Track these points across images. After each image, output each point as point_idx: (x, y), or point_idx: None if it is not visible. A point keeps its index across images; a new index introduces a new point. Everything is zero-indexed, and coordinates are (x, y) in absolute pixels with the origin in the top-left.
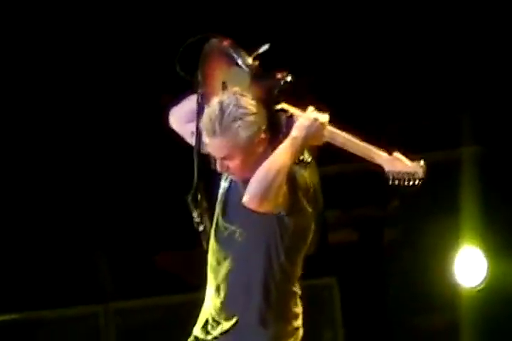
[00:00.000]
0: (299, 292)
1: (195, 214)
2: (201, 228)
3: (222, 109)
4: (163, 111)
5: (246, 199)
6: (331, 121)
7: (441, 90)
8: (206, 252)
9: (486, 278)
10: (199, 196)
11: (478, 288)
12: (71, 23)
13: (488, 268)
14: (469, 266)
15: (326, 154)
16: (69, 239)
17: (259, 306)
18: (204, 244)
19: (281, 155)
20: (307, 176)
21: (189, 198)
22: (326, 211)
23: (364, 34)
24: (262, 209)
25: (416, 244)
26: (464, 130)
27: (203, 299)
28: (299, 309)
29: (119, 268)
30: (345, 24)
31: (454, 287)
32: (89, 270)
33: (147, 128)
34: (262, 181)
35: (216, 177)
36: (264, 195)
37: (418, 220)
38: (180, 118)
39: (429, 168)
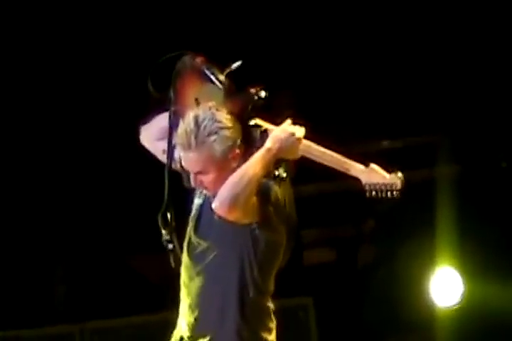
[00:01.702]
0: (272, 307)
1: (164, 233)
2: (170, 246)
3: (197, 123)
4: (134, 129)
5: (215, 204)
6: (309, 136)
7: (418, 109)
8: (176, 270)
9: (462, 297)
10: (169, 214)
11: (455, 308)
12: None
13: (464, 287)
14: (445, 285)
15: (302, 173)
16: (47, 260)
17: (234, 321)
18: (173, 262)
19: (253, 165)
20: (280, 192)
21: (159, 216)
22: (302, 230)
23: (343, 54)
24: (230, 216)
25: (392, 263)
26: (440, 149)
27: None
28: (273, 323)
29: (96, 288)
30: (324, 42)
31: (430, 307)
32: (66, 289)
33: (119, 145)
34: (232, 188)
35: (188, 194)
36: (233, 201)
37: (394, 240)
38: (152, 135)
39: (405, 188)
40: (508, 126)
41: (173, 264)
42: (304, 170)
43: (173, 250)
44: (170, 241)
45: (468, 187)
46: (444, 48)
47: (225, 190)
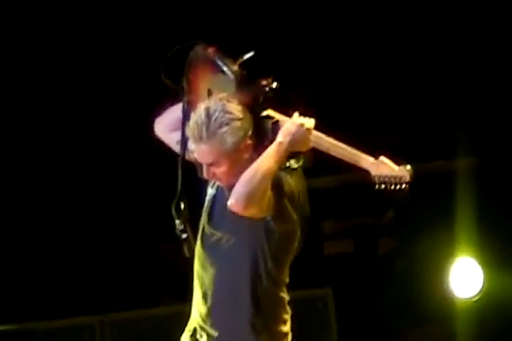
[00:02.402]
0: (287, 298)
1: (177, 223)
2: (184, 236)
3: (208, 115)
4: (149, 119)
5: (231, 202)
6: (318, 127)
7: (437, 101)
8: (189, 260)
9: (481, 289)
10: (182, 204)
11: (474, 299)
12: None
13: (483, 279)
14: (465, 277)
15: (320, 165)
16: (65, 251)
17: (248, 312)
18: (186, 251)
19: (266, 160)
20: (293, 182)
21: (172, 206)
22: (321, 222)
23: (359, 47)
24: (246, 213)
25: (411, 254)
26: (459, 141)
27: None
28: (287, 315)
29: (115, 280)
30: (339, 36)
31: (449, 298)
32: (84, 281)
33: (133, 137)
34: (247, 185)
35: (202, 185)
36: (248, 198)
37: (413, 231)
38: (166, 126)
39: (424, 179)
40: None
41: (187, 254)
42: (323, 161)
43: (186, 240)
44: (184, 231)
45: (488, 178)
46: (463, 40)
47: (240, 188)
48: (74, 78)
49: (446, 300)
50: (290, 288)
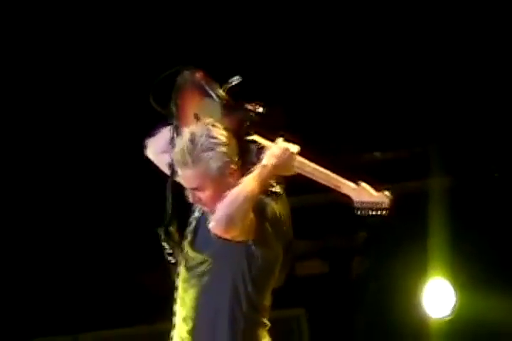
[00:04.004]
0: (268, 323)
1: (166, 246)
2: (172, 260)
3: (193, 140)
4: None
5: (212, 224)
6: (301, 152)
7: (409, 121)
8: (175, 283)
9: (454, 309)
10: (171, 228)
11: (447, 319)
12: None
13: (456, 299)
14: (438, 297)
15: (294, 185)
16: (43, 268)
17: (226, 336)
18: (174, 275)
19: (249, 182)
20: (277, 208)
21: (161, 230)
22: (294, 242)
23: (333, 67)
24: (227, 235)
25: (384, 275)
26: (432, 161)
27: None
28: (266, 340)
29: (90, 299)
30: (313, 56)
31: (422, 318)
32: (61, 300)
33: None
34: (229, 206)
35: (190, 208)
36: (230, 220)
37: (386, 251)
38: (157, 148)
39: (397, 200)
40: (500, 136)
41: (173, 277)
42: (295, 181)
43: (174, 263)
44: (171, 255)
45: (460, 198)
46: (432, 58)
47: (221, 210)
48: (65, 96)
49: (419, 320)
50: (267, 313)
